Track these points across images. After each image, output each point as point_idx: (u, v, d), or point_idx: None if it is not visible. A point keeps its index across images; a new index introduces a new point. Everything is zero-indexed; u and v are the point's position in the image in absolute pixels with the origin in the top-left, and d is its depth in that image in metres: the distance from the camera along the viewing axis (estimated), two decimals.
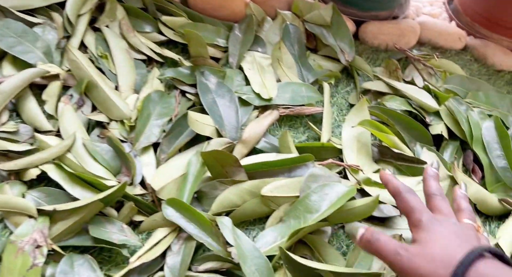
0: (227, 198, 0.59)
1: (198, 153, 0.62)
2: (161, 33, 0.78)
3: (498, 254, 0.42)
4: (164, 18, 0.78)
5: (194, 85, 0.72)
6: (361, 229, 0.46)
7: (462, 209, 0.50)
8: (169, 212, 0.55)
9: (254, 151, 0.67)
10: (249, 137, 0.66)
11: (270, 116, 0.70)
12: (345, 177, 0.66)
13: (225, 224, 0.55)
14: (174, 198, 0.56)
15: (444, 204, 0.49)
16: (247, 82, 0.74)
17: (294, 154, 0.64)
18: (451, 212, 0.48)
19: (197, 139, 0.65)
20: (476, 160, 0.73)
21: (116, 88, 0.69)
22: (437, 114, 0.75)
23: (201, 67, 0.73)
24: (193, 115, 0.64)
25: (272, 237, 0.56)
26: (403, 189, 0.49)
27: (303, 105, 0.73)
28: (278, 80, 0.76)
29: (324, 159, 0.67)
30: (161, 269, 0.53)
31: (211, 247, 0.54)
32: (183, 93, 0.72)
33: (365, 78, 0.83)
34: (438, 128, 0.73)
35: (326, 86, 0.77)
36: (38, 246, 0.51)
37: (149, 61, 0.75)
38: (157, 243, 0.55)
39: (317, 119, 0.75)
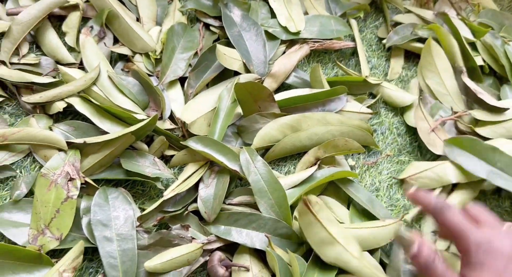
0: (268, 133, 0.57)
1: (229, 88, 0.59)
2: None
3: None
4: None
5: (217, 18, 0.68)
6: (417, 242, 0.41)
7: (484, 220, 0.41)
8: (199, 147, 0.54)
9: (283, 86, 0.65)
10: (278, 72, 0.64)
11: (300, 51, 0.67)
12: None
13: (245, 155, 0.54)
14: (200, 136, 0.55)
15: (481, 211, 0.42)
16: (273, 15, 0.70)
17: (327, 88, 0.62)
18: (493, 218, 0.42)
19: (224, 74, 0.63)
20: None
21: (137, 19, 0.65)
22: (472, 46, 0.72)
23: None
24: (221, 48, 0.61)
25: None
26: (439, 205, 0.42)
27: (331, 39, 0.70)
28: (305, 13, 0.72)
29: (357, 95, 0.65)
30: (195, 201, 0.53)
31: (243, 175, 0.52)
32: (206, 26, 0.68)
33: (395, 11, 0.79)
34: (478, 59, 0.70)
35: (353, 21, 0.73)
36: (71, 179, 0.50)
37: None
38: (189, 176, 0.54)
39: (345, 55, 0.72)
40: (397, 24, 0.76)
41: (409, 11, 0.78)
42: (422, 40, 0.73)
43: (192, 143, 0.54)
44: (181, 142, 0.55)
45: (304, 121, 0.59)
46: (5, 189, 0.51)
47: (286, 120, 0.58)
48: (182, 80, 0.62)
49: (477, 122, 0.64)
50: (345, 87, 0.61)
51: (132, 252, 0.47)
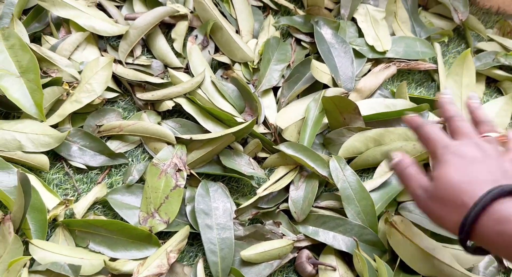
0: (352, 145, 0.61)
1: (316, 100, 0.63)
2: None
3: None
4: None
5: (308, 34, 0.73)
6: (398, 154, 0.47)
7: (480, 121, 0.47)
8: (290, 151, 0.58)
9: None
10: (364, 88, 0.67)
11: (387, 70, 0.70)
12: None
13: (335, 163, 0.57)
14: (292, 142, 0.59)
15: (464, 124, 0.45)
16: (360, 34, 0.74)
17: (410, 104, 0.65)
18: (472, 131, 0.45)
19: (314, 86, 0.67)
20: None
21: (237, 32, 0.71)
22: None
23: (315, 17, 0.74)
24: (315, 62, 0.66)
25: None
26: (421, 122, 0.47)
27: (416, 60, 0.73)
28: (391, 34, 0.76)
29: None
30: (285, 201, 0.57)
31: (333, 182, 0.56)
32: (297, 41, 0.73)
33: (477, 38, 0.81)
34: None
35: (437, 45, 0.76)
36: (179, 170, 0.55)
37: (264, 9, 0.77)
38: (281, 178, 0.58)
39: (428, 77, 0.75)
40: (479, 51, 0.78)
41: (491, 40, 0.80)
42: (504, 67, 0.75)
43: (284, 148, 0.58)
44: (273, 146, 0.60)
45: (387, 135, 0.62)
46: (118, 174, 0.57)
47: (370, 134, 0.62)
48: (274, 89, 0.67)
49: None
50: (427, 105, 0.64)
51: (230, 240, 0.52)
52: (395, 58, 0.72)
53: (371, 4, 0.79)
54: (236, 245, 0.52)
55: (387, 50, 0.71)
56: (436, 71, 0.75)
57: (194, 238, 0.54)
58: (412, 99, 0.67)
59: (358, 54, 0.71)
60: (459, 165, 0.40)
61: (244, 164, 0.58)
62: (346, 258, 0.53)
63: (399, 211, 0.56)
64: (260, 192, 0.56)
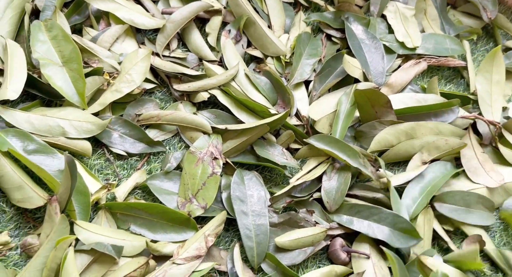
0: (384, 138, 0.62)
1: (348, 93, 0.65)
2: None
3: None
4: None
5: (339, 29, 0.74)
6: None
7: None
8: (320, 145, 0.59)
9: None
10: (395, 82, 0.68)
11: (418, 66, 0.71)
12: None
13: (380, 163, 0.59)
14: (322, 134, 0.61)
15: None
16: (390, 31, 0.75)
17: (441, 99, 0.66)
18: None
19: (345, 81, 0.68)
20: None
21: (269, 27, 0.72)
22: None
23: (345, 13, 0.75)
24: (347, 57, 0.67)
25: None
26: None
27: (446, 56, 0.74)
28: (421, 31, 0.76)
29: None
30: (318, 190, 0.58)
31: (366, 174, 0.57)
32: (327, 36, 0.74)
33: (506, 36, 0.81)
34: None
35: (466, 43, 0.77)
36: (215, 158, 0.57)
37: (294, 5, 0.78)
38: (313, 168, 0.59)
39: (457, 74, 0.75)
40: (507, 49, 0.79)
41: None
42: None
43: (313, 141, 0.60)
44: (303, 140, 0.61)
45: (418, 129, 0.63)
46: (157, 161, 0.59)
47: (402, 127, 0.62)
48: (305, 83, 0.68)
49: None
50: (458, 100, 0.65)
51: (265, 227, 0.53)
52: (425, 55, 0.73)
53: (400, 2, 0.80)
54: (271, 231, 0.53)
55: (417, 47, 0.72)
56: (465, 68, 0.75)
57: (230, 224, 0.55)
58: (443, 94, 0.67)
59: (388, 50, 0.72)
60: None
61: (277, 154, 0.59)
62: (379, 246, 0.54)
63: (433, 203, 0.57)
64: (293, 181, 0.57)
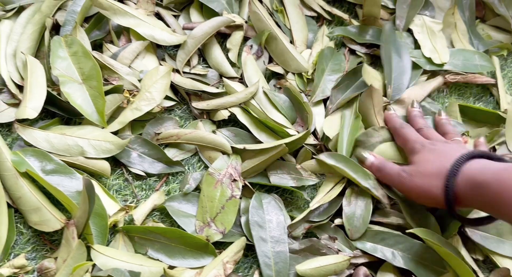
0: (383, 151, 0.59)
1: (352, 107, 0.63)
2: None
3: (485, 155, 0.48)
4: None
5: (363, 44, 0.72)
6: (369, 156, 0.56)
7: (446, 132, 0.57)
8: (332, 162, 0.57)
9: None
10: (407, 98, 0.66)
11: (434, 82, 0.69)
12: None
13: None
14: (332, 152, 0.58)
15: (433, 132, 0.57)
16: (416, 46, 0.73)
17: None
18: (440, 137, 0.56)
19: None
20: None
21: (291, 42, 0.71)
22: None
23: (370, 27, 0.73)
24: (367, 67, 0.66)
25: None
26: (400, 124, 0.57)
27: (474, 73, 0.71)
28: (450, 46, 0.74)
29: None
30: (337, 212, 0.56)
31: (377, 196, 0.55)
32: (351, 51, 0.72)
33: None
34: None
35: (495, 59, 0.74)
36: (234, 180, 0.55)
37: (317, 19, 0.76)
38: (331, 189, 0.57)
39: (486, 91, 0.72)
40: None
41: None
42: None
43: (324, 157, 0.57)
44: (313, 156, 0.59)
45: None
46: (175, 182, 0.57)
47: None
48: (325, 99, 0.66)
49: None
50: None
51: (284, 254, 0.51)
52: (452, 71, 0.70)
53: (427, 15, 0.77)
54: (291, 259, 0.52)
55: (445, 63, 0.70)
56: (494, 85, 0.72)
57: (249, 249, 0.54)
58: (472, 111, 0.65)
59: (415, 66, 0.70)
60: (434, 152, 0.51)
61: (293, 174, 0.57)
62: (405, 275, 0.52)
63: (464, 229, 0.55)
64: (313, 205, 0.55)
